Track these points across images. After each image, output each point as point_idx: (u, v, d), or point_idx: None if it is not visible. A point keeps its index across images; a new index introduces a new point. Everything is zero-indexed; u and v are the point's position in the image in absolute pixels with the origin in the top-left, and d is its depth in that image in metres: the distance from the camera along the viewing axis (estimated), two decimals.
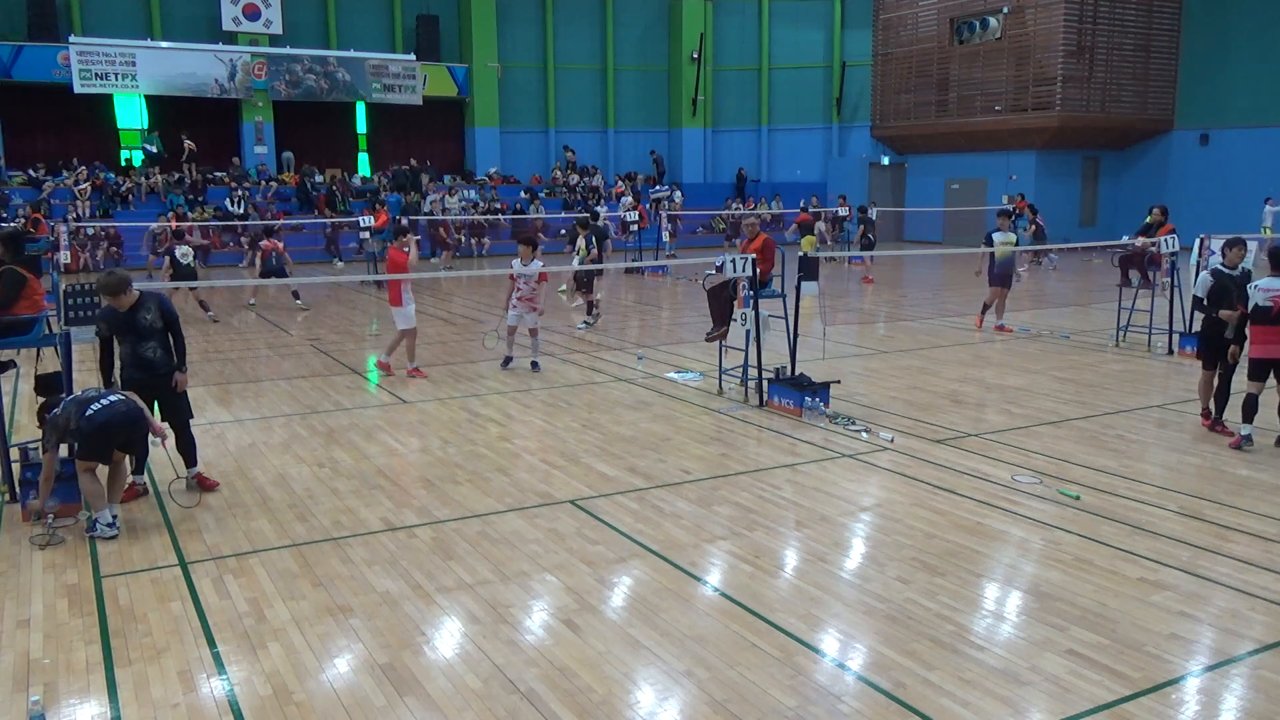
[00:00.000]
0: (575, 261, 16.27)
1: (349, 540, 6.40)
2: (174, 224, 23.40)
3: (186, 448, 7.47)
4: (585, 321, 15.61)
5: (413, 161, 32.37)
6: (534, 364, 12.11)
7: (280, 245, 18.36)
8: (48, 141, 29.01)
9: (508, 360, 12.11)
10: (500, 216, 30.28)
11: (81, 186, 26.75)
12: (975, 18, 31.34)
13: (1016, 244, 15.01)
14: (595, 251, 16.26)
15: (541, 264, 11.90)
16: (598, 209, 31.43)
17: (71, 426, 6.38)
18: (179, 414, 7.45)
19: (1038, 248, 23.43)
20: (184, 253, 17.06)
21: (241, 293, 19.60)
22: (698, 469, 7.95)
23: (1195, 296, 9.19)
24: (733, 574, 5.87)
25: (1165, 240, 13.04)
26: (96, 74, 27.86)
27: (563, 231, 26.37)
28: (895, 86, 34.23)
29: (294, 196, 29.81)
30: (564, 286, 21.08)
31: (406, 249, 11.62)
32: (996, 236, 14.50)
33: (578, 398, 10.55)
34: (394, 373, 11.75)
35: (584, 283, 15.70)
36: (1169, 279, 13.00)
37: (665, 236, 26.89)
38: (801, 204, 27.97)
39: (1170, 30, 30.39)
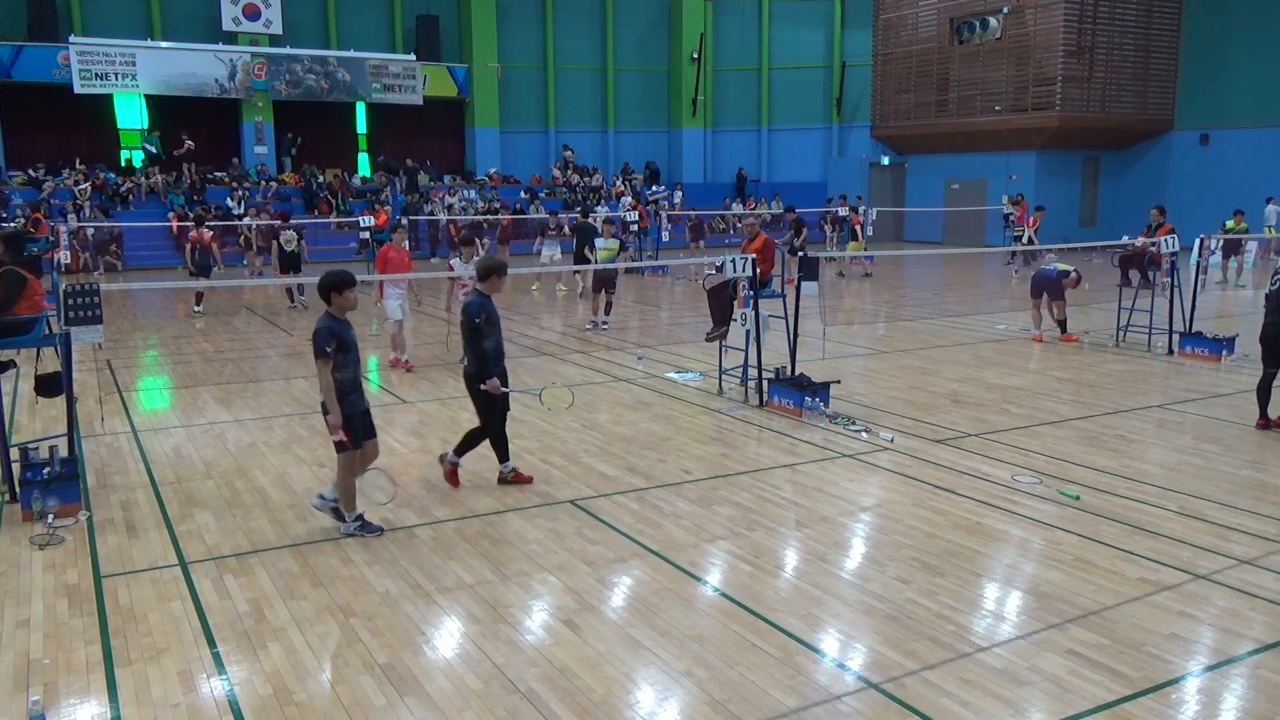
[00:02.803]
0: (602, 260, 16.18)
1: (349, 540, 6.40)
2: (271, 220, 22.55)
3: (505, 443, 7.50)
4: (604, 321, 15.51)
5: (382, 159, 32.40)
6: None
7: (208, 236, 17.05)
8: (48, 141, 29.00)
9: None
10: (500, 216, 30.26)
11: (82, 187, 26.75)
12: (975, 18, 31.34)
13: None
14: (630, 250, 16.28)
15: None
16: (597, 209, 31.48)
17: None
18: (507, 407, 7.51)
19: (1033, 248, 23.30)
20: (288, 239, 17.16)
21: (240, 293, 19.61)
22: (698, 469, 7.95)
23: None
24: (733, 574, 5.87)
25: (1165, 240, 13.03)
26: (96, 74, 27.86)
27: (566, 230, 26.13)
28: (895, 86, 34.23)
29: (295, 197, 29.79)
30: (561, 284, 21.13)
31: (401, 246, 12.25)
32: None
33: (577, 397, 10.53)
34: (407, 366, 12.14)
35: (609, 282, 15.62)
36: (1169, 279, 12.98)
37: (665, 236, 26.90)
38: (851, 206, 26.92)
39: (1170, 30, 30.39)
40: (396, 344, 12.26)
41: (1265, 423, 9.07)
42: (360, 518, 6.52)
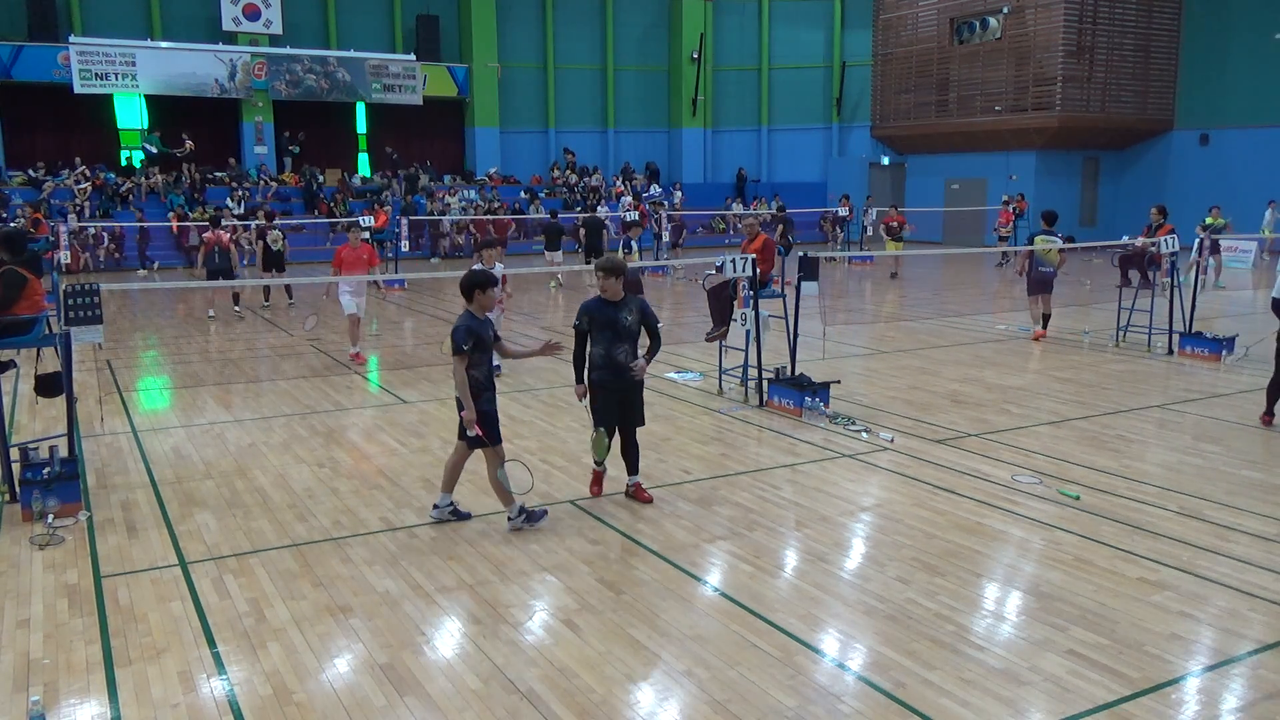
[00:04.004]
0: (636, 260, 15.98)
1: (349, 540, 6.40)
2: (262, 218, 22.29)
3: (631, 456, 7.13)
4: None
5: (392, 153, 32.51)
6: (496, 367, 12.03)
7: (225, 238, 16.68)
8: (48, 141, 29.02)
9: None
10: (501, 217, 30.28)
11: (81, 186, 26.75)
12: (975, 18, 31.34)
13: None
14: (633, 251, 16.25)
15: (503, 266, 11.90)
16: (599, 208, 31.39)
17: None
18: (635, 420, 7.04)
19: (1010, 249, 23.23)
20: (274, 238, 17.16)
21: (242, 293, 19.56)
22: (698, 469, 7.95)
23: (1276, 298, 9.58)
24: (733, 574, 5.87)
25: (1165, 240, 13.04)
26: (96, 74, 27.87)
27: (565, 234, 26.03)
28: (895, 86, 34.23)
29: (295, 197, 29.80)
30: (553, 283, 21.19)
31: (356, 244, 12.83)
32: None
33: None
34: (360, 358, 12.67)
35: (637, 285, 15.44)
36: (1169, 279, 12.99)
37: (666, 236, 26.90)
38: (892, 205, 26.54)
39: (1170, 30, 30.39)
40: (352, 338, 12.73)
41: (1268, 419, 9.18)
42: (522, 509, 6.57)
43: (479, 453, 6.53)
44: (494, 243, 12.09)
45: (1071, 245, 14.74)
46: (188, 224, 26.31)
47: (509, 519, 6.58)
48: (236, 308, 17.37)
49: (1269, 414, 9.19)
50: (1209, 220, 20.61)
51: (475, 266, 11.76)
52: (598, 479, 7.27)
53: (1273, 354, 9.17)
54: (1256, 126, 28.17)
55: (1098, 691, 4.47)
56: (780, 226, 23.76)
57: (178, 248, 26.71)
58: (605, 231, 19.87)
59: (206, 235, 16.67)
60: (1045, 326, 14.20)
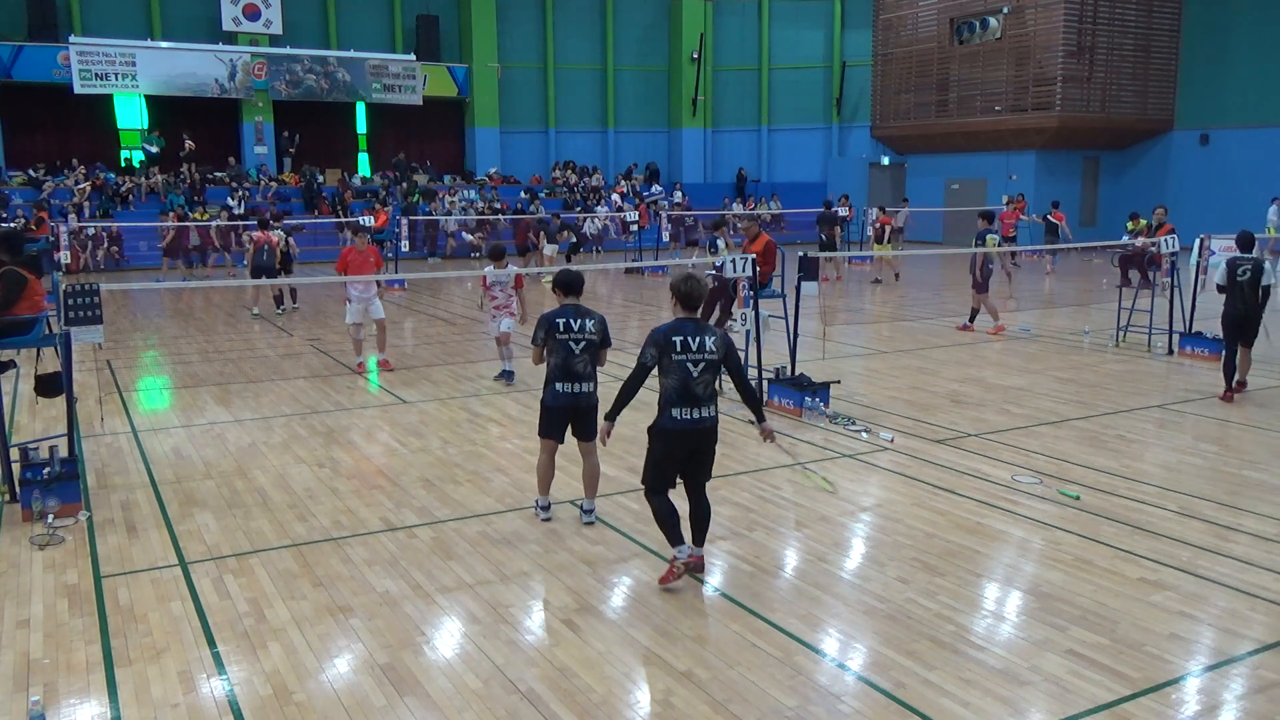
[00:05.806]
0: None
1: (349, 540, 6.40)
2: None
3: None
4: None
5: (399, 155, 32.55)
6: (506, 372, 11.32)
7: (274, 238, 16.60)
8: (48, 141, 29.03)
9: (509, 374, 11.31)
10: (500, 217, 30.28)
11: (81, 186, 26.73)
12: (975, 18, 31.32)
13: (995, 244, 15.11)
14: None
15: (514, 268, 11.46)
16: (597, 208, 31.40)
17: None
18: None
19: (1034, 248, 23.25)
20: (279, 238, 17.16)
21: (242, 294, 19.57)
22: None
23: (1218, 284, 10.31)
24: (733, 574, 5.87)
25: (1165, 240, 13.04)
26: (96, 74, 27.86)
27: (564, 232, 25.88)
28: (895, 86, 34.21)
29: (295, 197, 29.76)
30: (547, 279, 21.31)
31: (363, 247, 12.15)
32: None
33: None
34: (386, 365, 12.15)
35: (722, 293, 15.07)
36: (1169, 279, 12.99)
37: (665, 237, 26.90)
38: (881, 208, 26.00)
39: (1170, 30, 30.38)
40: (356, 348, 12.17)
41: (1229, 396, 9.99)
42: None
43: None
44: (501, 254, 11.63)
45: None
46: (186, 224, 26.25)
47: (584, 510, 6.74)
48: (279, 309, 17.44)
49: (1229, 391, 10.00)
50: (1130, 225, 20.12)
51: (488, 268, 11.71)
52: (673, 572, 5.58)
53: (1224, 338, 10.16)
54: (1256, 126, 28.15)
55: (1098, 691, 4.47)
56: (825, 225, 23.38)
57: (178, 248, 26.61)
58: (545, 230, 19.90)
59: (256, 235, 16.74)
60: (973, 321, 14.71)
